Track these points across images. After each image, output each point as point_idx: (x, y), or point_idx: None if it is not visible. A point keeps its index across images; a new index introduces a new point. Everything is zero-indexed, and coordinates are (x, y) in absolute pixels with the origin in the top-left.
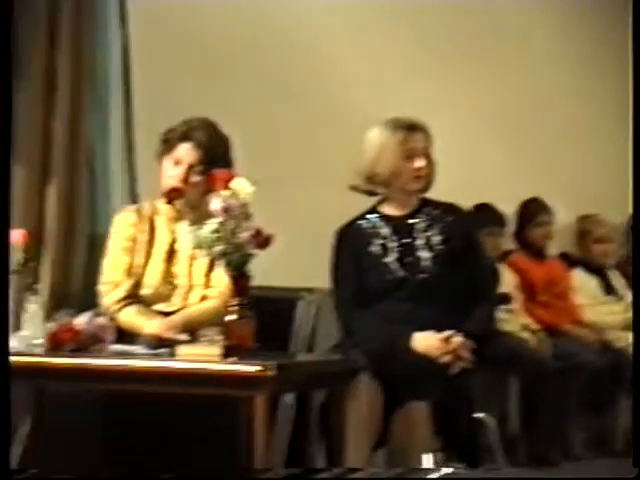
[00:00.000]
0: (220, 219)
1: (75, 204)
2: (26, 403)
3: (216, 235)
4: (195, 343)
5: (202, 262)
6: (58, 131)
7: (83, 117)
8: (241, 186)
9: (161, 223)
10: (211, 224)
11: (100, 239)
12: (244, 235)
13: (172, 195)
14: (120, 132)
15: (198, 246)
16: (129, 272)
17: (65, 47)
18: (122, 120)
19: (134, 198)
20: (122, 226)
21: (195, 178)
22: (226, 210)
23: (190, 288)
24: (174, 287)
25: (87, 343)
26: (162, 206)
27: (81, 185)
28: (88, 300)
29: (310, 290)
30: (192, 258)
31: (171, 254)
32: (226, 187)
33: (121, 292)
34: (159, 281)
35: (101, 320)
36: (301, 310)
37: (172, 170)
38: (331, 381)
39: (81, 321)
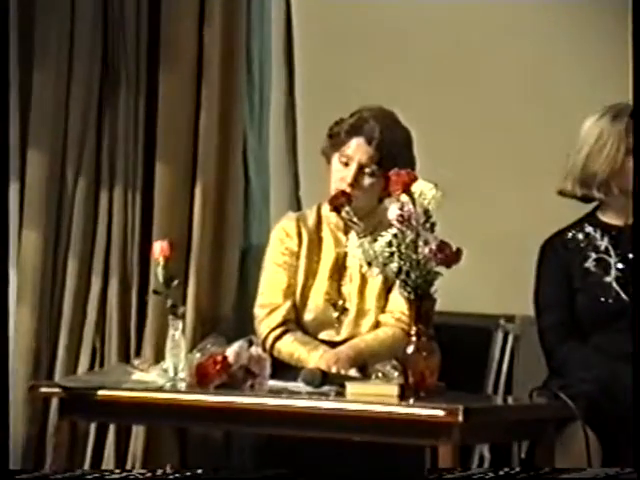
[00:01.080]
0: (397, 230)
1: (227, 210)
2: (167, 445)
3: (392, 249)
4: (367, 380)
5: (375, 282)
6: (206, 124)
7: (235, 107)
8: (425, 190)
9: (327, 234)
10: (386, 236)
11: (256, 252)
12: (426, 249)
13: (338, 201)
14: (280, 124)
15: (370, 262)
16: (289, 293)
17: (216, 22)
18: (282, 110)
19: (296, 203)
20: (281, 237)
21: (367, 180)
22: (405, 219)
23: (361, 313)
24: (342, 311)
25: (239, 378)
26: (329, 214)
27: (233, 188)
28: (241, 326)
29: (509, 317)
30: (364, 277)
31: (339, 272)
32: (406, 191)
33: (279, 317)
34: (324, 304)
35: (256, 350)
36: (498, 342)
37: (340, 171)
38: (535, 430)
39: (232, 351)
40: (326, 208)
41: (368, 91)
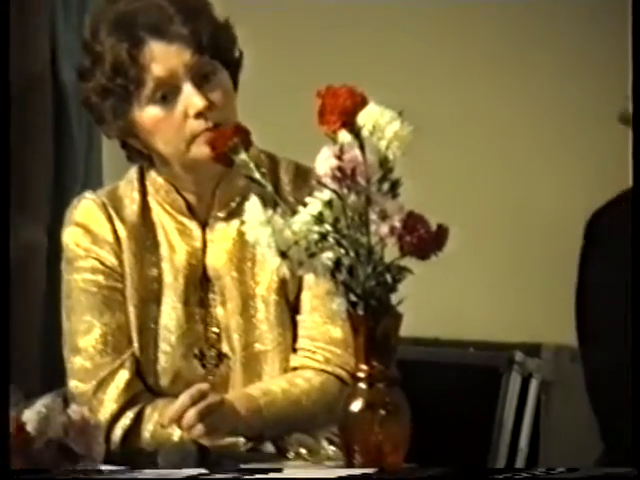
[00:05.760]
0: (332, 193)
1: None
2: None
3: (322, 227)
4: (282, 459)
5: (269, 293)
6: None
7: None
8: (381, 121)
9: (166, 222)
10: (313, 203)
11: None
12: (384, 228)
13: (227, 142)
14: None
15: (285, 252)
16: (124, 342)
17: None
18: None
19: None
20: (84, 244)
21: (219, 95)
22: (346, 174)
23: (252, 358)
24: (217, 361)
25: (47, 460)
26: (160, 183)
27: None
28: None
29: (530, 348)
30: (255, 284)
31: (200, 286)
32: (347, 124)
33: (119, 395)
34: (182, 351)
35: (77, 412)
36: (512, 389)
37: (165, 114)
38: None
39: (34, 415)
40: (153, 176)
41: None
